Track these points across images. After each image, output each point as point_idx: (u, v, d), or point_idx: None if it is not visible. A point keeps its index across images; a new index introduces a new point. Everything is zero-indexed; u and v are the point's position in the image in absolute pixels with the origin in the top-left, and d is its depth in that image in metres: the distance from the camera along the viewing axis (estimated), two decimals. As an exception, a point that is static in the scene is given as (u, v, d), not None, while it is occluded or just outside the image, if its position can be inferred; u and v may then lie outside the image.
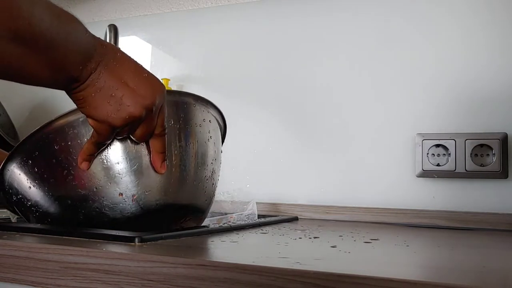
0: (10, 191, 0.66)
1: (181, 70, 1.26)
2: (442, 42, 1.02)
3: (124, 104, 0.57)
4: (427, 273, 0.49)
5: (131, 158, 0.63)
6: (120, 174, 0.63)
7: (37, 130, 0.63)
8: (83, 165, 0.62)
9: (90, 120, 0.59)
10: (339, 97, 1.10)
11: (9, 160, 0.65)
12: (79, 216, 0.64)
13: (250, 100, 1.18)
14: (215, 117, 0.76)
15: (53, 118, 0.63)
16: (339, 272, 0.42)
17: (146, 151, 0.63)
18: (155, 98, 0.59)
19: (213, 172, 0.73)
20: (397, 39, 1.06)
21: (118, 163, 0.63)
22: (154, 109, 0.59)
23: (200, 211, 0.73)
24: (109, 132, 0.59)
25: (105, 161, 0.62)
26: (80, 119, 0.62)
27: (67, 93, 0.58)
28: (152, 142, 0.63)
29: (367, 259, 0.56)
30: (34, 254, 0.55)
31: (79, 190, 0.63)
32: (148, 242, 0.58)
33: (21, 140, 0.64)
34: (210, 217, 0.92)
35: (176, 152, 0.66)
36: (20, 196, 0.66)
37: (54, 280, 0.53)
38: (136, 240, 0.58)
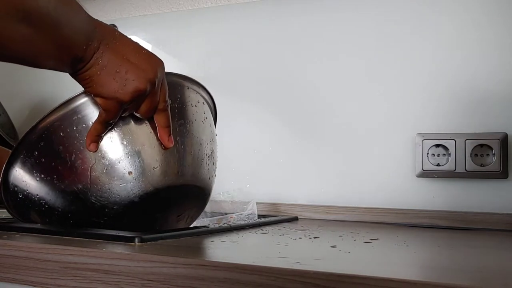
0: (16, 189, 0.66)
1: (181, 70, 1.24)
2: (442, 42, 1.02)
3: (129, 79, 0.59)
4: (427, 273, 0.49)
5: (137, 137, 0.65)
6: (127, 153, 0.64)
7: (40, 121, 0.64)
8: (92, 147, 0.63)
9: (98, 99, 0.60)
10: (339, 97, 1.10)
11: (13, 156, 0.65)
12: (91, 200, 0.64)
13: (250, 100, 1.18)
14: (206, 99, 0.79)
15: (55, 106, 0.64)
16: (339, 272, 0.42)
17: (151, 128, 0.65)
18: (156, 71, 0.62)
19: (212, 151, 0.76)
20: (396, 39, 1.06)
21: (124, 143, 0.64)
22: (156, 83, 0.62)
23: (204, 191, 0.74)
24: (118, 109, 0.60)
25: (111, 142, 0.64)
26: (82, 103, 0.63)
27: (73, 75, 0.60)
28: (157, 118, 0.65)
29: (367, 259, 0.56)
30: (34, 254, 0.55)
31: (89, 173, 0.63)
32: (148, 242, 0.58)
33: (24, 134, 0.65)
34: (210, 217, 0.92)
35: (178, 130, 0.68)
36: (27, 191, 0.66)
37: (54, 280, 0.53)
38: (136, 240, 0.58)
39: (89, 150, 0.63)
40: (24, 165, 0.65)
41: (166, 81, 0.65)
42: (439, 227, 0.95)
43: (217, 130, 1.24)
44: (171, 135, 0.66)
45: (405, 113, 1.04)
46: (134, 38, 1.26)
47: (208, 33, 1.24)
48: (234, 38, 1.21)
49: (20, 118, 1.36)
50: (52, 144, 0.64)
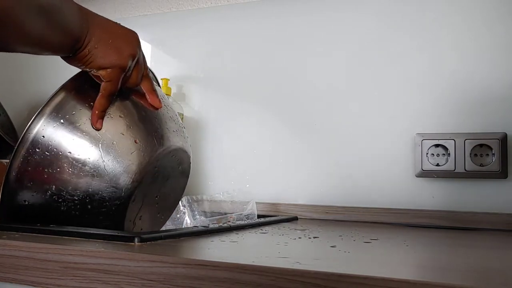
0: (23, 192, 0.67)
1: (181, 70, 1.26)
2: (441, 41, 1.02)
3: (123, 47, 0.65)
4: (427, 273, 0.49)
5: (131, 108, 0.70)
6: (128, 125, 0.68)
7: (35, 117, 0.66)
8: (98, 124, 0.66)
9: (101, 72, 0.65)
10: (339, 97, 1.10)
11: (14, 159, 0.66)
12: (108, 175, 0.66)
13: (250, 100, 1.18)
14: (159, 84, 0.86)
15: (49, 97, 0.66)
16: (339, 272, 0.42)
17: (138, 98, 0.71)
18: (138, 39, 0.69)
19: (183, 124, 0.83)
20: (396, 40, 1.06)
21: (122, 116, 0.68)
22: (141, 50, 0.69)
23: (189, 159, 0.80)
24: (120, 77, 0.66)
25: (111, 118, 0.67)
26: (71, 91, 0.67)
27: (72, 58, 0.64)
28: (144, 84, 0.71)
29: (367, 259, 0.56)
30: (34, 254, 0.55)
31: (100, 149, 0.66)
32: (147, 242, 0.58)
33: (22, 135, 0.66)
34: (210, 217, 0.92)
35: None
36: (35, 194, 0.66)
37: (54, 280, 0.53)
38: (136, 240, 0.58)
39: (96, 128, 0.66)
40: (28, 166, 0.65)
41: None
42: (438, 227, 0.95)
43: (217, 130, 1.24)
44: (159, 97, 0.72)
45: (404, 113, 1.04)
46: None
47: (208, 33, 1.24)
48: (234, 38, 1.21)
49: (20, 118, 1.36)
50: (56, 134, 0.66)
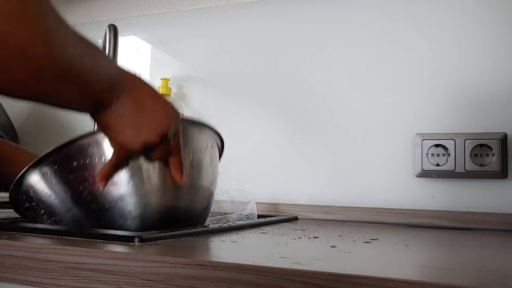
0: (24, 197, 0.68)
1: (181, 70, 1.26)
2: (442, 42, 1.02)
3: (142, 132, 0.60)
4: (427, 273, 0.49)
5: (147, 177, 0.69)
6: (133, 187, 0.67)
7: (62, 145, 0.66)
8: (101, 183, 0.64)
9: (111, 143, 0.61)
10: (339, 97, 1.10)
11: (30, 170, 0.67)
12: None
13: (250, 100, 1.18)
14: (215, 140, 0.81)
15: (75, 137, 0.66)
16: (339, 272, 0.42)
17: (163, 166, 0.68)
18: (170, 125, 0.61)
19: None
20: (397, 39, 1.06)
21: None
22: (169, 134, 0.62)
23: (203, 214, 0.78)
24: (127, 157, 0.62)
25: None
26: (99, 140, 0.66)
27: (92, 116, 0.59)
28: (170, 160, 0.65)
29: (367, 259, 0.56)
30: (34, 254, 0.55)
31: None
32: (147, 242, 0.58)
33: (45, 153, 0.67)
34: (210, 217, 0.92)
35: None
36: (35, 203, 0.68)
37: (54, 280, 0.53)
38: (136, 240, 0.58)
39: (98, 185, 0.64)
40: (48, 176, 0.67)
41: (180, 130, 0.65)
42: (438, 227, 0.95)
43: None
44: (184, 174, 0.67)
45: (404, 113, 1.04)
46: (134, 38, 1.27)
47: (208, 33, 1.24)
48: (234, 38, 1.21)
49: (20, 118, 1.36)
50: (74, 159, 0.67)
